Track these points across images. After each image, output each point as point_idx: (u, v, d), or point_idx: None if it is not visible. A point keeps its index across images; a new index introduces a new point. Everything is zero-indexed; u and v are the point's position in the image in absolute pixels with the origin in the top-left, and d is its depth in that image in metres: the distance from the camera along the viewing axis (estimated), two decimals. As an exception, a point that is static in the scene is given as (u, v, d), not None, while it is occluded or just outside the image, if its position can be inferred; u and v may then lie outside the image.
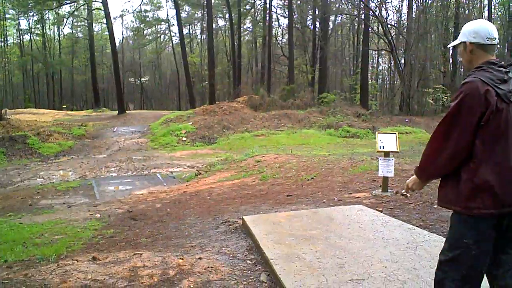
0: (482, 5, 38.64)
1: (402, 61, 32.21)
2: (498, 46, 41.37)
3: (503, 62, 2.39)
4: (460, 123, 2.24)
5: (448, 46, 3.03)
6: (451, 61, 33.58)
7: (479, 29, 2.38)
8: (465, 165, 2.27)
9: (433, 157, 2.39)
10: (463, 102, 2.24)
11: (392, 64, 31.81)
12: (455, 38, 27.40)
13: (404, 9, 39.31)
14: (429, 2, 33.62)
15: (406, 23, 33.50)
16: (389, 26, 32.58)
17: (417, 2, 34.28)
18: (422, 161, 2.49)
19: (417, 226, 4.73)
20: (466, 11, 34.66)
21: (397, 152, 6.90)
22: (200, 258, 4.13)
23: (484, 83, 2.23)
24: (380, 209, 5.70)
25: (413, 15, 32.95)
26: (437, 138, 2.37)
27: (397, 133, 7.00)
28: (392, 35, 32.20)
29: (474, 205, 2.23)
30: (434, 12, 33.64)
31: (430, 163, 2.43)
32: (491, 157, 2.23)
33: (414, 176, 2.63)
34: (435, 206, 5.58)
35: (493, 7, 36.20)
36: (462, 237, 2.28)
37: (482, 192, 2.21)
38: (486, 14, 37.34)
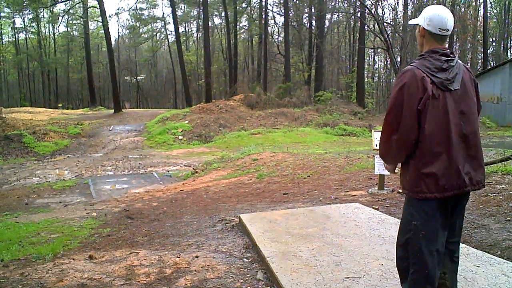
0: (478, 2, 38.81)
1: (398, 59, 32.22)
2: (494, 44, 41.64)
3: (448, 51, 2.48)
4: (403, 110, 2.34)
5: (409, 22, 2.94)
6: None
7: (434, 18, 2.44)
8: (413, 152, 2.40)
9: (386, 146, 2.52)
10: (402, 91, 2.35)
11: (388, 62, 31.84)
12: (450, 36, 27.62)
13: (400, 7, 39.37)
14: (425, 0, 33.65)
15: (402, 21, 33.51)
16: (385, 24, 32.59)
17: (412, 0, 34.33)
18: (379, 150, 2.64)
19: (413, 224, 4.74)
20: (462, 9, 34.79)
21: (393, 150, 6.91)
22: (196, 257, 4.13)
23: (420, 71, 2.35)
24: (377, 207, 5.71)
25: (409, 13, 32.98)
26: (385, 129, 2.49)
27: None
28: (388, 33, 32.21)
29: (420, 189, 2.37)
30: (430, 10, 33.70)
31: (385, 152, 2.57)
32: (432, 144, 2.35)
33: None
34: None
35: (488, 5, 36.34)
36: (411, 219, 2.44)
37: (426, 177, 2.35)
38: (481, 12, 37.54)
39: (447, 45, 2.56)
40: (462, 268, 3.36)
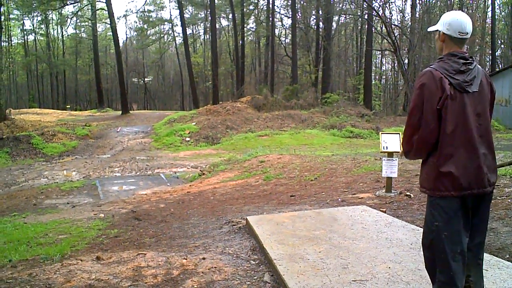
0: (486, 4, 38.59)
1: (406, 61, 32.12)
2: (502, 46, 41.37)
3: (466, 54, 2.54)
4: (424, 110, 2.41)
5: (428, 29, 3.01)
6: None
7: (453, 22, 2.52)
8: (433, 151, 2.46)
9: (408, 146, 2.56)
10: (422, 91, 2.43)
11: (396, 64, 31.72)
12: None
13: (408, 9, 39.25)
14: (433, 2, 33.51)
15: (409, 23, 33.42)
16: (392, 26, 32.49)
17: (420, 2, 34.18)
18: (403, 149, 2.67)
19: (420, 227, 4.71)
20: (470, 11, 34.59)
21: (401, 152, 6.89)
22: (203, 258, 4.13)
23: (438, 72, 2.43)
24: (384, 209, 5.69)
25: (417, 15, 32.87)
26: (407, 129, 2.54)
27: (400, 133, 6.97)
28: (396, 35, 32.11)
29: (438, 188, 2.43)
30: (438, 12, 33.52)
31: (407, 151, 2.60)
32: (452, 144, 2.40)
33: None
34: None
35: (496, 6, 36.12)
36: (433, 220, 2.47)
37: (444, 176, 2.40)
38: (490, 13, 37.29)
39: (465, 49, 2.61)
40: (470, 272, 3.35)
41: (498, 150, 15.24)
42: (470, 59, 2.52)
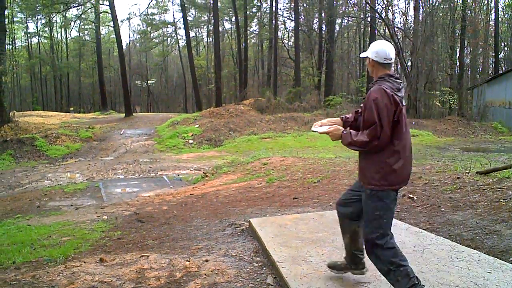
0: (489, 7, 38.54)
1: (409, 63, 32.10)
2: (505, 48, 41.28)
3: (397, 75, 3.21)
4: (384, 123, 2.86)
5: (360, 55, 3.54)
6: (458, 64, 33.44)
7: (380, 51, 3.07)
8: (380, 152, 2.95)
9: (363, 146, 2.96)
10: (381, 106, 2.87)
11: (399, 66, 31.72)
12: (462, 40, 27.23)
13: (411, 12, 39.24)
14: (436, 4, 33.48)
15: (412, 26, 33.39)
16: (395, 28, 32.51)
17: (423, 4, 34.17)
18: (356, 143, 2.99)
19: (424, 229, 4.71)
20: (473, 13, 34.55)
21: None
22: (206, 260, 4.14)
23: (388, 90, 2.91)
24: (387, 212, 5.67)
25: (420, 18, 32.85)
26: (369, 136, 2.90)
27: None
28: (399, 37, 32.13)
29: (384, 183, 2.93)
30: (441, 14, 33.53)
31: (359, 148, 3.00)
32: (396, 147, 2.94)
33: (340, 134, 3.12)
34: (442, 209, 5.56)
35: (500, 9, 36.08)
36: (375, 210, 2.98)
37: (394, 172, 2.93)
38: (493, 16, 37.23)
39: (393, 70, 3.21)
40: (474, 274, 3.34)
41: (501, 153, 15.22)
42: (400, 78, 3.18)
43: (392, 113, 2.87)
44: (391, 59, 3.07)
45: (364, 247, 3.16)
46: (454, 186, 6.57)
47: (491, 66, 39.29)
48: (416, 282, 2.93)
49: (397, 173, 2.94)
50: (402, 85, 3.08)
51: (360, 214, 3.25)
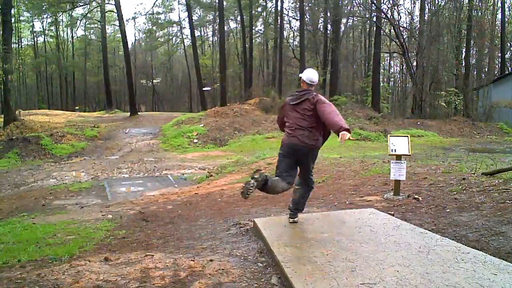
0: (496, 7, 38.32)
1: (414, 63, 32.00)
2: (512, 49, 40.97)
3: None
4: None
5: (299, 75, 5.30)
6: (463, 64, 33.29)
7: (307, 76, 5.02)
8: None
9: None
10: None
11: (404, 66, 31.62)
12: (467, 40, 27.12)
13: (416, 12, 39.17)
14: (442, 4, 33.35)
15: (418, 26, 33.27)
16: (401, 28, 32.42)
17: (429, 4, 34.03)
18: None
19: (429, 230, 4.69)
20: (479, 13, 34.37)
21: (409, 155, 6.86)
22: (211, 260, 4.14)
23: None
24: (392, 212, 5.66)
25: (426, 18, 32.72)
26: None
27: (409, 136, 6.94)
28: (404, 37, 32.03)
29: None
30: (447, 14, 33.37)
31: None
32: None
33: (348, 129, 4.42)
34: (447, 210, 5.54)
35: (506, 9, 35.87)
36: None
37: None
38: (499, 16, 37.03)
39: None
40: (479, 276, 3.32)
41: (507, 154, 15.15)
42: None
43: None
44: (315, 81, 5.02)
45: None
46: (460, 187, 6.54)
47: (497, 66, 39.06)
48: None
49: None
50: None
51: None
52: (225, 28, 42.21)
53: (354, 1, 36.03)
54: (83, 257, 4.79)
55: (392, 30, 33.66)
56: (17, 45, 51.36)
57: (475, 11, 33.27)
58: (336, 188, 8.14)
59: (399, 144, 6.64)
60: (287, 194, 8.30)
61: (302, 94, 4.95)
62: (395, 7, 34.64)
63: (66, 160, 18.56)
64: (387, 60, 48.96)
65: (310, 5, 38.08)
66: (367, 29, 42.12)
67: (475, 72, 36.85)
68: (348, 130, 4.35)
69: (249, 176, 4.95)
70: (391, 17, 32.56)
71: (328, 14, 35.99)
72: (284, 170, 4.92)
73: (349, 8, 36.69)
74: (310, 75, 5.02)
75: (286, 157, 4.97)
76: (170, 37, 57.42)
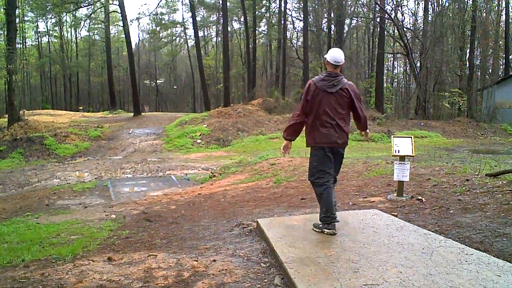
0: (500, 7, 38.21)
1: (418, 64, 31.93)
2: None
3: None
4: None
5: (324, 56, 4.79)
6: (467, 65, 33.21)
7: (331, 56, 4.56)
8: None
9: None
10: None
11: (408, 67, 31.52)
12: (471, 41, 27.05)
13: (420, 12, 39.04)
14: (446, 5, 33.28)
15: (422, 26, 33.22)
16: (404, 29, 32.38)
17: (433, 5, 33.96)
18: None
19: (432, 231, 4.68)
20: (483, 14, 34.28)
21: (413, 156, 6.85)
22: (214, 260, 4.14)
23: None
24: (395, 213, 5.66)
25: (429, 18, 32.67)
26: None
27: (412, 137, 6.93)
28: (408, 38, 31.98)
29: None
30: (451, 15, 33.30)
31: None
32: None
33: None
34: (451, 212, 5.53)
35: (510, 10, 35.72)
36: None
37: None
38: (503, 17, 36.90)
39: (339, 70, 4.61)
40: (483, 278, 3.31)
41: (511, 155, 15.09)
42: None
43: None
44: (340, 62, 4.55)
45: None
46: (463, 188, 6.53)
47: (501, 67, 38.95)
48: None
49: None
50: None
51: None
52: (229, 29, 42.27)
53: (357, 2, 36.00)
54: (86, 257, 4.80)
55: (396, 31, 33.60)
56: (21, 45, 51.51)
57: (479, 12, 33.20)
58: (339, 189, 8.13)
59: (403, 145, 6.63)
60: (289, 195, 8.33)
61: (337, 80, 4.49)
62: (399, 8, 34.61)
63: (69, 160, 18.60)
64: (390, 60, 48.92)
65: (313, 5, 38.09)
66: (371, 30, 42.08)
67: (479, 73, 36.76)
68: None
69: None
70: (395, 17, 32.51)
71: (332, 14, 35.96)
72: (330, 174, 4.59)
73: (352, 8, 36.69)
74: (335, 54, 4.55)
75: (326, 157, 4.55)
76: (173, 38, 57.53)
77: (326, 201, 4.52)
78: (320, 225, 4.63)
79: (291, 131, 4.71)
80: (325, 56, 4.63)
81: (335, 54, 4.52)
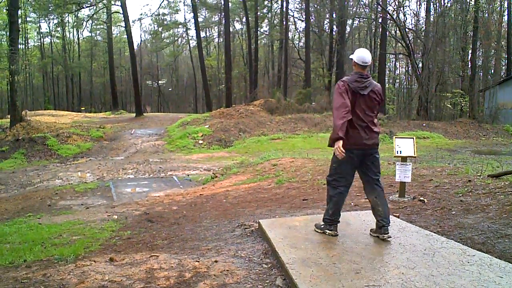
0: (502, 8, 38.15)
1: (420, 65, 31.91)
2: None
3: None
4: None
5: (350, 56, 4.66)
6: (469, 65, 33.16)
7: (358, 56, 4.44)
8: None
9: None
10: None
11: (410, 68, 31.50)
12: (474, 42, 26.98)
13: (422, 13, 39.05)
14: (448, 5, 33.22)
15: (424, 27, 33.18)
16: (406, 29, 32.34)
17: (435, 5, 33.92)
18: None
19: (434, 233, 4.68)
20: (486, 15, 34.21)
21: (415, 157, 6.84)
22: (216, 261, 4.14)
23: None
24: (397, 214, 5.65)
25: (431, 19, 32.62)
26: None
27: (414, 137, 6.92)
28: (410, 39, 31.94)
29: None
30: (453, 15, 33.26)
31: None
32: None
33: None
34: (453, 213, 5.52)
35: (513, 10, 35.64)
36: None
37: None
38: (506, 17, 36.82)
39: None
40: (485, 279, 3.31)
41: (513, 156, 15.05)
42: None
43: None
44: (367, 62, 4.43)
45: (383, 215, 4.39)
46: (465, 189, 6.52)
47: (503, 68, 38.86)
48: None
49: None
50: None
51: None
52: (231, 29, 42.28)
53: (359, 3, 35.98)
54: (88, 258, 4.81)
55: (398, 32, 33.56)
56: (23, 46, 51.61)
57: (481, 12, 33.12)
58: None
59: (405, 145, 6.62)
60: (291, 196, 8.32)
61: (368, 81, 4.39)
62: (401, 8, 34.58)
63: (72, 160, 18.63)
64: (392, 61, 48.90)
65: (316, 6, 38.09)
66: (373, 30, 42.04)
67: (481, 73, 36.68)
68: None
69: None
70: (397, 18, 32.49)
71: (334, 15, 35.96)
72: (348, 180, 4.58)
73: (354, 9, 36.66)
74: (362, 54, 4.43)
75: (348, 161, 4.37)
76: (175, 38, 57.55)
77: (335, 205, 4.54)
78: (322, 226, 4.65)
79: (344, 128, 4.21)
80: (351, 57, 4.53)
81: (363, 55, 4.42)
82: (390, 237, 4.37)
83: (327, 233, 4.56)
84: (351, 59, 4.50)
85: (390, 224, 4.44)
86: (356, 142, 4.33)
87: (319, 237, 4.54)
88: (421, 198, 6.41)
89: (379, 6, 32.21)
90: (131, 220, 7.39)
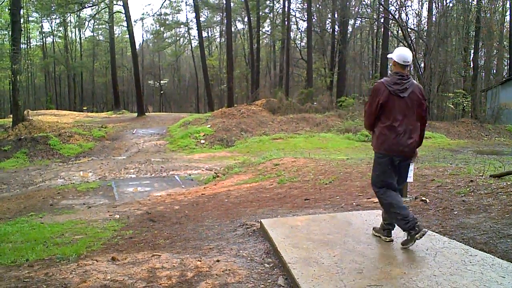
0: (504, 8, 38.09)
1: (422, 65, 31.85)
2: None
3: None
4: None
5: (388, 55, 4.50)
6: (472, 66, 33.11)
7: (399, 55, 4.18)
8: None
9: None
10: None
11: (412, 68, 31.44)
12: (476, 42, 26.92)
13: (424, 13, 38.96)
14: (450, 5, 33.18)
15: (426, 27, 33.12)
16: (408, 29, 32.28)
17: (437, 5, 33.87)
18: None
19: (436, 233, 4.67)
20: (488, 15, 34.16)
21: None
22: (218, 261, 4.15)
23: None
24: (399, 214, 5.64)
25: (433, 19, 32.57)
26: None
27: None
28: (412, 39, 31.89)
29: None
30: (455, 15, 33.21)
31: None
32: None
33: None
34: (455, 213, 5.51)
35: (515, 10, 35.59)
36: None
37: None
38: (508, 18, 36.77)
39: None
40: (487, 279, 3.31)
41: (516, 156, 15.02)
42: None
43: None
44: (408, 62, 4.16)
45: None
46: (467, 189, 6.51)
47: (505, 68, 38.78)
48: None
49: None
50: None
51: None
52: (233, 29, 42.24)
53: (361, 2, 35.96)
54: (90, 257, 4.81)
55: (400, 31, 33.50)
56: (26, 45, 51.63)
57: (484, 12, 33.06)
58: (343, 189, 8.12)
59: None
60: (292, 195, 8.32)
61: (408, 82, 4.11)
62: (403, 8, 34.51)
63: (74, 160, 18.64)
64: (394, 61, 48.71)
65: (317, 6, 38.07)
66: (375, 30, 42.03)
67: (483, 73, 36.65)
68: None
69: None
70: (399, 18, 32.42)
71: (336, 15, 35.94)
72: (393, 184, 4.30)
73: (356, 9, 36.65)
74: (403, 52, 4.17)
75: (390, 167, 4.21)
76: (177, 38, 57.56)
77: (397, 208, 4.18)
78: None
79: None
80: (390, 56, 4.27)
81: (404, 53, 4.16)
82: (392, 240, 4.33)
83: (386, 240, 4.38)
84: (391, 58, 4.25)
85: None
86: (396, 148, 4.11)
87: (321, 236, 4.54)
88: (423, 198, 6.41)
89: (381, 6, 32.17)
90: (133, 220, 7.40)
